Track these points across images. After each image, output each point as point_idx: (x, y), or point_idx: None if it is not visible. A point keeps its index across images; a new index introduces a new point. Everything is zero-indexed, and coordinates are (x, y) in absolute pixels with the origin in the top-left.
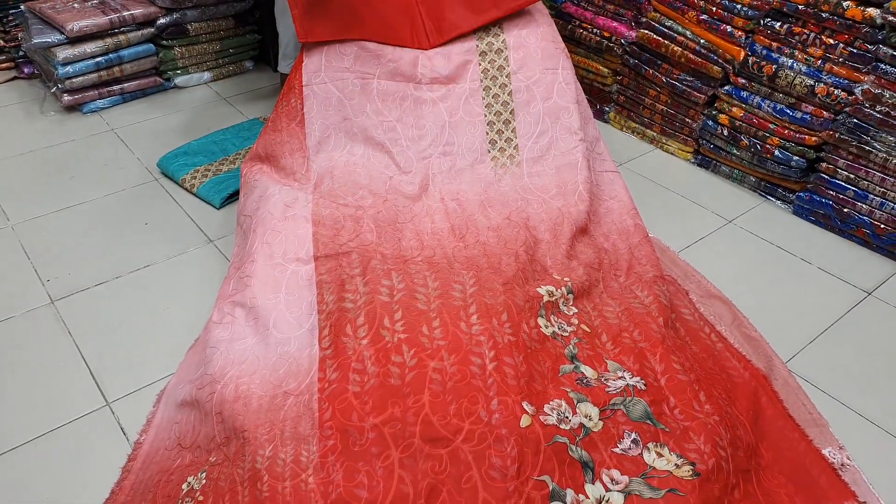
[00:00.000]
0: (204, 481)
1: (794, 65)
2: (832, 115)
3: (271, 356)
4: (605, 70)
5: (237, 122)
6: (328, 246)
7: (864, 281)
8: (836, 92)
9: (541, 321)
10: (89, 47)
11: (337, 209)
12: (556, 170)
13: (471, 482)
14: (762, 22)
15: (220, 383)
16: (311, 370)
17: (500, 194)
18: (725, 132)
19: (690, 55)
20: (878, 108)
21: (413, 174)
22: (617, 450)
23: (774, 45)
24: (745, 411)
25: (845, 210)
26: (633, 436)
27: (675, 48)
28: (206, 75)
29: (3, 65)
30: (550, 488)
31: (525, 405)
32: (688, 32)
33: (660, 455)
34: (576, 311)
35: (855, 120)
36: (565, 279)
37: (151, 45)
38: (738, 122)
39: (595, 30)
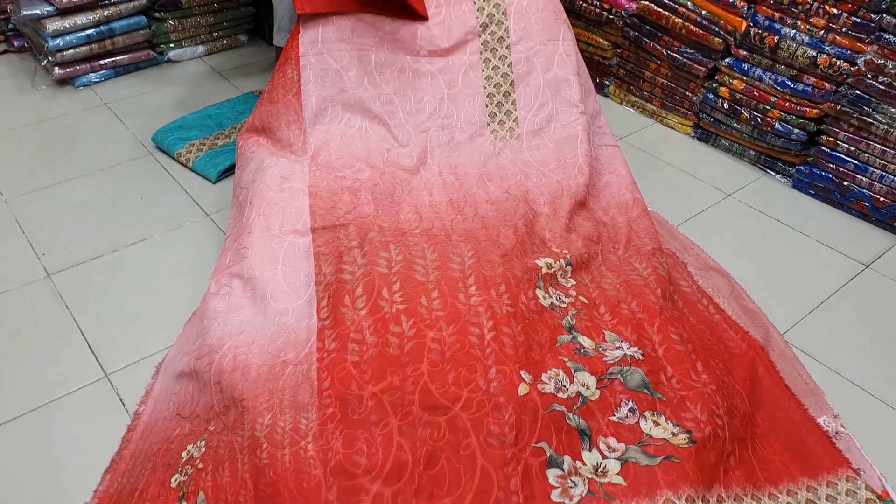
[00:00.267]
0: (203, 449)
1: (797, 35)
2: (834, 87)
3: (269, 326)
4: (605, 43)
5: (232, 96)
6: (325, 218)
7: (862, 254)
8: (838, 63)
9: (539, 292)
10: (80, 19)
11: (334, 181)
12: (556, 143)
13: (469, 449)
14: None
15: (218, 353)
16: (309, 340)
17: (499, 168)
18: (726, 105)
19: (691, 27)
20: (881, 78)
21: (411, 147)
22: (614, 418)
23: (777, 15)
24: (742, 381)
25: (845, 183)
26: (630, 404)
27: (676, 20)
28: (200, 49)
29: None
30: (548, 455)
31: (523, 374)
32: (689, 3)
33: (656, 423)
34: (574, 283)
35: (857, 91)
36: (564, 252)
37: (143, 17)
38: (738, 95)
39: (595, 1)
